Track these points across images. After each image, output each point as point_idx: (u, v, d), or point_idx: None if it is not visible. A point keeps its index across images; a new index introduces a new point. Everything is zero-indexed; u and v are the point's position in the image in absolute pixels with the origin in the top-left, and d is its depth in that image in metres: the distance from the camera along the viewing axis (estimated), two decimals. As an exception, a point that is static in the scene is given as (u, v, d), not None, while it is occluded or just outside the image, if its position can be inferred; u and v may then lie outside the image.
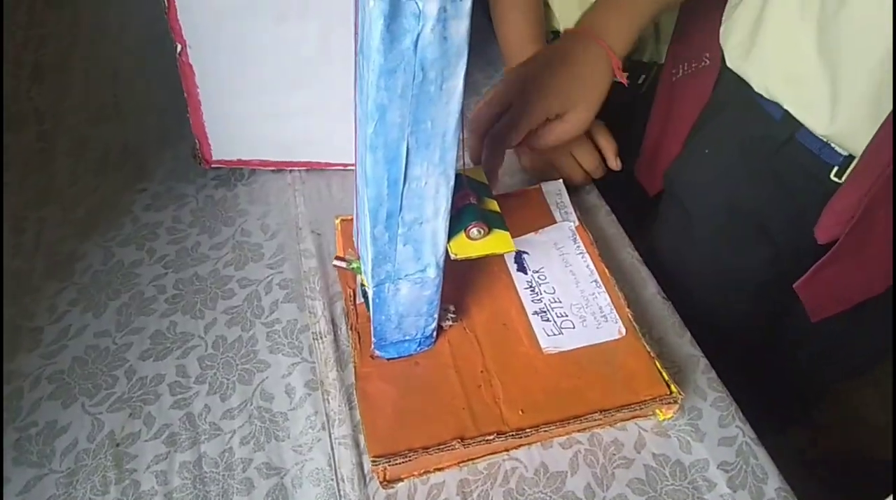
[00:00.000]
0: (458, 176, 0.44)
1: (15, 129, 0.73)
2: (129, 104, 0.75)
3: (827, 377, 0.81)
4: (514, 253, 0.57)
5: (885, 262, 0.55)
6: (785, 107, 0.55)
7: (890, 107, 0.47)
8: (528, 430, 0.46)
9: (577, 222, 0.59)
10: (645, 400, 0.48)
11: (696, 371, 0.54)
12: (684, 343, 0.56)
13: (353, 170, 0.67)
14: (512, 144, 0.55)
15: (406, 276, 0.44)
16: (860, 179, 0.50)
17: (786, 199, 0.59)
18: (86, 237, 0.63)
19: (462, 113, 0.36)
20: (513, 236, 0.55)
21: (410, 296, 0.46)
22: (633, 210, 0.76)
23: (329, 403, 0.51)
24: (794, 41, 0.52)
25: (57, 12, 0.87)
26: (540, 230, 0.59)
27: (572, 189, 0.67)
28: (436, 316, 0.48)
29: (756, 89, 0.57)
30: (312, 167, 0.68)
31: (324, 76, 0.60)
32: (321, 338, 0.55)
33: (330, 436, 0.49)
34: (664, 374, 0.49)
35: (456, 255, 0.43)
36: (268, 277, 0.60)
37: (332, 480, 0.47)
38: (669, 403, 0.49)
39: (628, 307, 0.53)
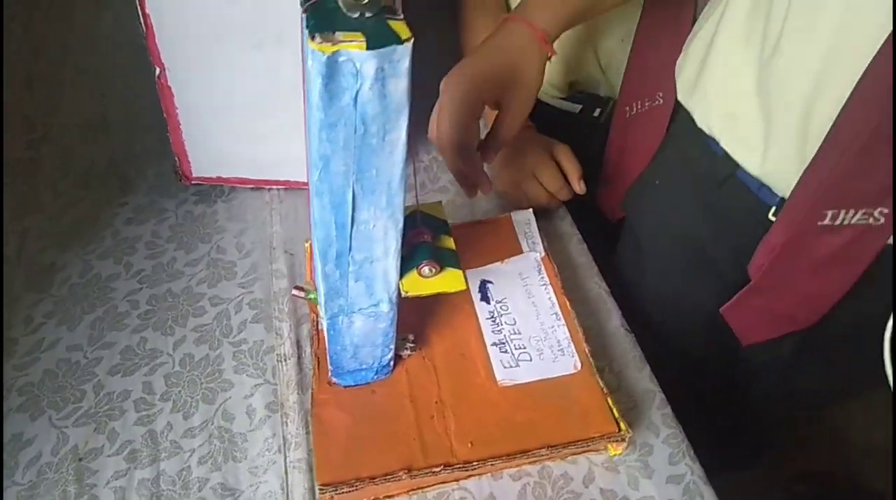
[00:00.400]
0: (413, 214, 0.46)
1: (4, 137, 0.74)
2: (117, 118, 0.76)
3: (781, 411, 0.81)
4: (479, 282, 0.58)
5: (807, 299, 0.55)
6: (722, 144, 0.55)
7: (814, 151, 0.47)
8: (475, 463, 0.47)
9: (543, 253, 0.60)
10: (594, 437, 0.49)
11: (652, 407, 0.55)
12: (643, 378, 0.57)
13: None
14: (474, 147, 0.55)
15: (360, 310, 0.45)
16: (786, 222, 0.51)
17: (729, 234, 0.59)
18: (66, 249, 0.64)
19: (407, 161, 0.37)
20: (479, 265, 0.57)
21: (365, 328, 0.47)
22: (609, 235, 0.77)
23: (287, 426, 0.52)
24: (735, 80, 0.53)
25: (52, 24, 0.89)
26: (506, 260, 0.59)
27: (545, 216, 0.68)
28: (392, 347, 0.49)
29: (699, 125, 0.58)
30: (290, 186, 0.69)
31: (299, 100, 0.61)
32: (285, 360, 0.56)
33: (285, 459, 0.51)
34: (615, 411, 0.50)
35: (407, 292, 0.44)
36: (239, 296, 0.61)
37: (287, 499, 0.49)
38: (618, 440, 0.49)
39: (586, 342, 0.54)
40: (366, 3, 0.31)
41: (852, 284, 0.53)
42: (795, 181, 0.49)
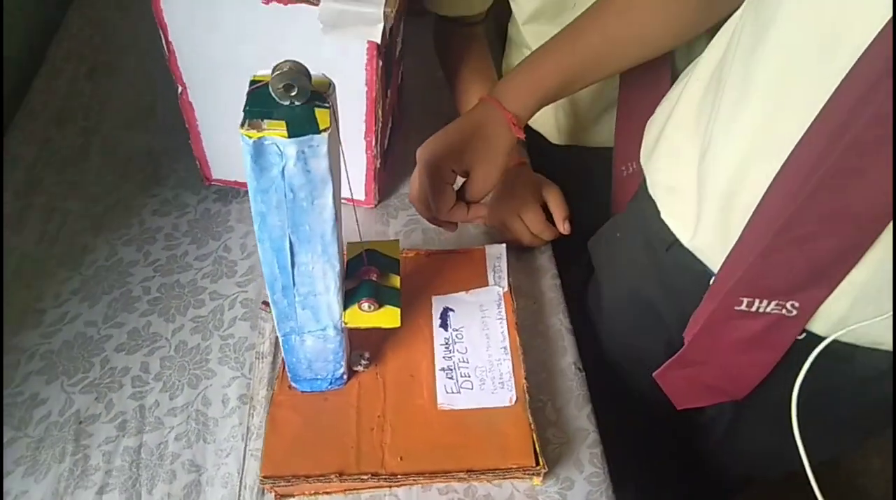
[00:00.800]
0: (364, 253, 0.51)
1: (62, 123, 0.84)
2: (163, 112, 0.85)
3: (735, 471, 0.83)
4: (441, 309, 0.63)
5: (732, 375, 0.58)
6: (662, 215, 0.58)
7: (734, 240, 0.50)
8: (399, 476, 0.53)
9: (506, 288, 0.64)
10: (511, 468, 0.54)
11: (583, 445, 0.59)
12: (581, 416, 0.61)
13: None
14: (447, 208, 0.61)
15: (309, 331, 0.51)
16: (709, 299, 0.53)
17: (676, 296, 0.61)
18: (98, 233, 0.74)
19: (338, 218, 0.43)
20: (445, 293, 0.62)
21: (316, 347, 0.53)
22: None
23: (253, 417, 0.60)
24: (679, 157, 0.55)
25: (122, 13, 0.98)
26: (471, 291, 0.64)
27: (528, 248, 0.72)
28: (343, 364, 0.56)
29: (649, 190, 0.60)
30: (298, 195, 0.76)
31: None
32: (262, 358, 0.63)
33: (245, 447, 0.58)
34: (537, 446, 0.55)
35: (346, 323, 0.50)
36: (234, 293, 0.69)
37: (237, 486, 0.56)
38: (533, 474, 0.54)
39: (525, 378, 0.59)
40: (294, 95, 0.37)
41: (772, 367, 0.56)
42: (720, 259, 0.51)
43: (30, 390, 0.62)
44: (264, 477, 0.52)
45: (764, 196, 0.46)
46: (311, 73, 0.38)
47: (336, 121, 0.40)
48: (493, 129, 0.61)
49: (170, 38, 0.62)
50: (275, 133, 0.36)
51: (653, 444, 0.87)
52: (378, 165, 0.71)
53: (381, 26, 0.58)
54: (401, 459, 0.54)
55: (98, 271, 0.70)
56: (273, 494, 0.55)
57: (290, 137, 0.37)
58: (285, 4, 0.58)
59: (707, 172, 0.52)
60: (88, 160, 0.81)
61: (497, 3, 0.79)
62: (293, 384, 0.58)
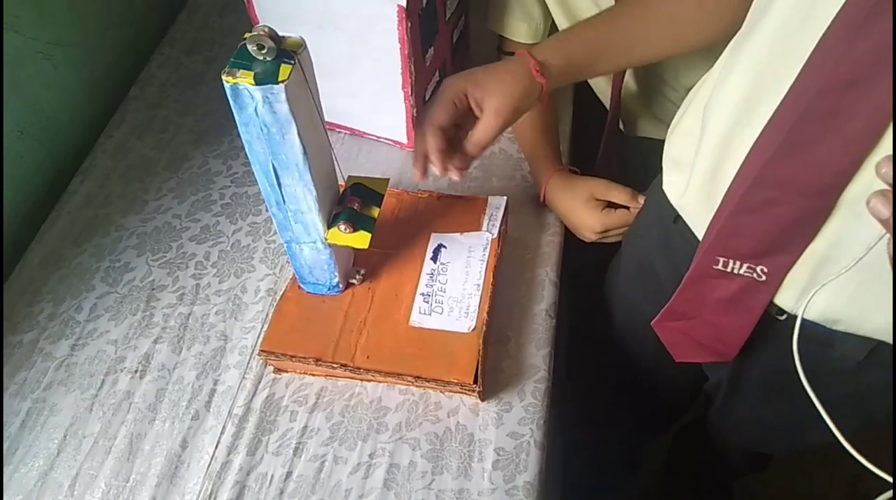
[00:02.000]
0: (354, 184, 0.63)
1: (192, 51, 1.02)
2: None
3: (733, 446, 0.87)
4: (436, 244, 0.73)
5: (717, 332, 0.61)
6: (663, 184, 0.62)
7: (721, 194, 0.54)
8: (362, 370, 0.65)
9: (495, 235, 0.73)
10: (452, 381, 0.64)
11: (531, 379, 0.68)
12: (538, 355, 0.69)
13: (382, 140, 0.87)
14: (437, 122, 0.65)
15: (304, 242, 0.64)
16: (696, 258, 0.58)
17: (675, 267, 0.66)
18: (198, 146, 0.91)
19: (305, 150, 0.54)
20: (442, 231, 0.72)
21: (312, 256, 0.66)
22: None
23: (272, 307, 0.74)
24: (692, 130, 0.59)
25: (224, 21, 1.07)
26: (465, 233, 0.73)
27: (539, 205, 0.80)
28: (336, 274, 0.68)
29: (663, 163, 0.64)
30: (354, 133, 0.88)
31: (354, 69, 0.79)
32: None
33: (261, 328, 0.73)
34: (479, 369, 0.64)
35: (327, 240, 0.62)
36: (284, 208, 0.83)
37: (249, 355, 0.71)
38: (469, 391, 0.64)
39: (488, 314, 0.67)
40: (264, 52, 0.48)
41: (751, 329, 0.60)
42: (704, 222, 0.56)
43: (125, 259, 0.81)
44: (262, 350, 0.67)
45: (742, 164, 0.51)
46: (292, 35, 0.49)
47: (304, 73, 0.51)
48: (516, 69, 0.64)
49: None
50: (245, 81, 0.48)
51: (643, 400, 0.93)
52: (415, 113, 0.81)
53: (405, -7, 0.67)
54: (367, 357, 0.66)
55: (191, 176, 0.88)
56: (271, 367, 0.69)
57: (256, 84, 0.48)
58: (332, -31, 0.68)
59: (701, 143, 0.57)
60: (204, 84, 0.98)
61: None
62: (301, 285, 0.71)
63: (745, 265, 0.55)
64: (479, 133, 0.65)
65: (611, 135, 0.91)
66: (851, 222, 0.46)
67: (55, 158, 0.88)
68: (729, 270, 0.56)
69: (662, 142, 0.67)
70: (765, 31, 0.48)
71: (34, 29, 0.83)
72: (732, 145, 0.52)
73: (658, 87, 0.85)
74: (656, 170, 0.68)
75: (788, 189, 0.47)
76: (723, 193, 0.53)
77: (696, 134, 0.59)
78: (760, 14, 0.49)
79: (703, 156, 0.56)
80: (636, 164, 0.80)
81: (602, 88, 0.90)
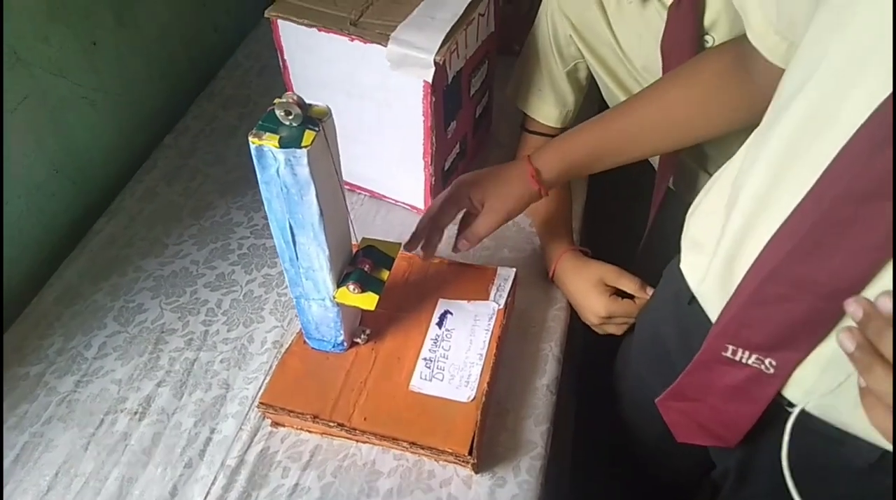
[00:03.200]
0: (366, 247, 0.65)
1: (229, 106, 1.07)
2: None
3: None
4: (443, 310, 0.74)
5: (721, 417, 0.61)
6: (681, 263, 0.63)
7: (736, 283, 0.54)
8: (358, 431, 0.65)
9: (501, 306, 0.73)
10: (446, 451, 0.63)
11: (527, 455, 0.67)
12: (536, 431, 0.69)
13: (399, 204, 0.89)
14: (440, 225, 0.73)
15: (312, 299, 0.65)
16: (707, 343, 0.58)
17: (687, 348, 0.66)
18: (223, 195, 0.94)
19: (322, 212, 0.56)
20: (450, 298, 0.74)
21: (319, 313, 0.67)
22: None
23: (276, 359, 0.75)
24: (715, 211, 0.60)
25: (261, 80, 1.12)
26: (473, 301, 0.74)
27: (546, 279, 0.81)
28: (342, 333, 0.69)
29: (682, 241, 0.65)
30: (374, 195, 0.91)
31: (378, 136, 0.82)
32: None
33: (264, 380, 0.74)
34: (475, 440, 0.64)
35: (335, 298, 0.63)
36: (299, 263, 0.85)
37: (248, 406, 0.72)
38: (464, 462, 0.64)
39: (488, 385, 0.67)
40: (291, 118, 0.51)
41: (756, 418, 0.59)
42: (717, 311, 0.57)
43: (139, 300, 0.82)
44: (261, 403, 0.67)
45: (757, 257, 0.52)
46: (320, 105, 0.52)
47: (327, 140, 0.53)
48: (516, 175, 0.72)
49: (284, 57, 0.79)
50: (270, 143, 0.51)
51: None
52: (433, 182, 0.83)
53: (432, 70, 0.70)
54: (365, 419, 0.66)
55: (213, 225, 0.91)
56: (268, 420, 0.70)
57: (280, 147, 0.50)
58: (364, 43, 0.72)
59: (725, 228, 0.58)
60: (235, 138, 1.02)
61: None
62: (306, 340, 0.72)
63: (754, 356, 0.55)
64: (477, 228, 0.73)
65: (662, 199, 0.91)
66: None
67: (85, 197, 0.92)
68: (737, 358, 0.56)
69: None
70: (783, 130, 0.50)
71: (82, 76, 0.87)
72: (751, 236, 0.53)
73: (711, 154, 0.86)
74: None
75: (802, 288, 0.48)
76: (738, 282, 0.54)
77: (719, 216, 0.59)
78: (779, 113, 0.51)
79: (725, 241, 0.57)
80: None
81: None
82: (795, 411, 0.50)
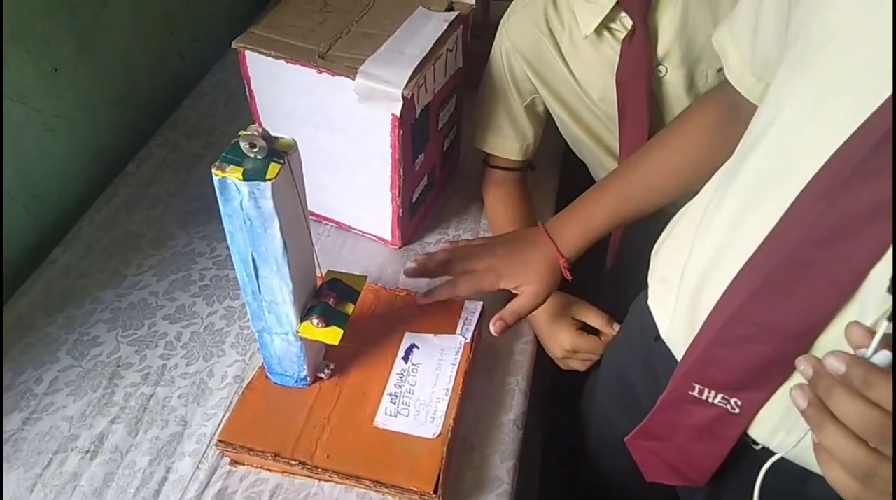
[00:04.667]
0: (332, 280, 0.63)
1: (193, 135, 1.05)
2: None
3: None
4: (409, 344, 0.73)
5: (688, 458, 0.61)
6: (648, 300, 0.63)
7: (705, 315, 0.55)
8: (320, 470, 0.64)
9: (468, 340, 0.73)
10: (411, 489, 0.62)
11: (492, 493, 0.66)
12: (502, 468, 0.68)
13: (366, 236, 0.88)
14: (458, 294, 0.74)
15: (275, 333, 0.64)
16: (673, 381, 0.58)
17: (654, 384, 0.66)
18: (184, 226, 0.92)
19: (286, 246, 0.55)
20: (417, 331, 0.73)
21: (282, 347, 0.65)
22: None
23: (237, 394, 0.73)
24: (679, 249, 0.61)
25: (227, 109, 1.14)
26: (440, 335, 0.74)
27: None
28: (305, 367, 0.67)
29: (648, 278, 0.66)
30: (341, 227, 0.90)
31: (346, 168, 0.81)
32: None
33: (223, 416, 0.72)
34: (440, 478, 0.63)
35: (299, 333, 0.62)
36: (262, 295, 0.83)
37: (207, 444, 0.69)
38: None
39: (454, 421, 0.66)
40: (256, 151, 0.50)
41: (723, 458, 0.59)
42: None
43: (94, 332, 0.80)
44: (220, 441, 0.65)
45: (722, 296, 0.52)
46: (279, 136, 0.51)
47: (292, 173, 0.53)
48: (543, 263, 0.73)
49: (252, 88, 0.79)
50: (233, 176, 0.50)
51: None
52: (401, 214, 0.83)
53: (400, 104, 0.70)
54: (327, 456, 0.64)
55: (174, 255, 0.88)
56: (227, 458, 0.67)
57: (244, 180, 0.50)
58: (333, 76, 0.72)
59: (686, 269, 0.58)
60: (199, 168, 1.01)
61: None
62: (269, 375, 0.70)
63: (719, 396, 0.55)
64: (520, 309, 0.73)
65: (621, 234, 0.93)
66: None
67: (41, 226, 0.89)
68: (704, 398, 0.56)
69: None
70: (749, 171, 0.51)
71: (40, 101, 0.85)
72: (716, 275, 0.53)
73: None
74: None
75: (766, 329, 0.48)
76: (703, 319, 0.54)
77: (684, 253, 0.60)
78: (745, 154, 0.52)
79: (690, 278, 0.57)
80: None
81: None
82: (773, 460, 0.50)
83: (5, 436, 0.69)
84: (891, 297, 0.38)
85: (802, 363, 0.40)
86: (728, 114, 0.65)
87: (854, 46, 0.42)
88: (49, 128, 0.88)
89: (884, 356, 0.38)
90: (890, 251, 0.40)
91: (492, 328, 0.71)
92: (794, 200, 0.45)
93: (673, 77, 0.76)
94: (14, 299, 0.82)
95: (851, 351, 0.40)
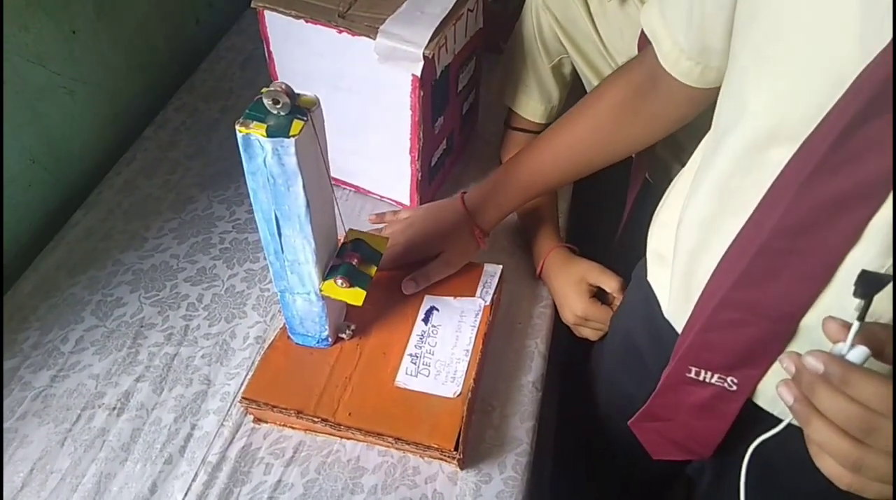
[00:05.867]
0: (355, 240, 0.64)
1: (210, 99, 1.05)
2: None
3: None
4: (429, 306, 0.73)
5: (693, 434, 0.61)
6: (647, 275, 0.63)
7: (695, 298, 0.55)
8: (343, 427, 0.64)
9: (488, 303, 0.73)
10: (432, 446, 0.63)
11: (512, 452, 0.67)
12: (521, 428, 0.69)
13: (385, 200, 0.88)
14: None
15: (297, 293, 0.64)
16: (672, 362, 0.58)
17: (661, 347, 0.66)
18: (204, 190, 0.92)
19: (308, 204, 0.55)
20: (436, 294, 0.73)
21: (304, 307, 0.66)
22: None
23: (258, 354, 0.74)
24: (671, 223, 0.60)
25: (244, 73, 1.11)
26: (459, 298, 0.74)
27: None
28: (327, 327, 0.68)
29: (647, 258, 0.66)
30: (358, 190, 0.90)
31: (365, 131, 0.81)
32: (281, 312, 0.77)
33: (246, 375, 0.73)
34: (461, 436, 0.63)
35: (322, 291, 0.62)
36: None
37: (230, 402, 0.71)
38: (449, 458, 0.63)
39: (474, 381, 0.67)
40: (279, 107, 0.50)
41: (725, 432, 0.60)
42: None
43: (118, 294, 0.81)
44: (244, 398, 0.66)
45: (709, 280, 0.52)
46: (306, 93, 0.51)
47: (315, 130, 0.52)
48: (461, 235, 0.76)
49: (270, 49, 0.78)
50: (257, 132, 0.50)
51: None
52: (420, 177, 0.83)
53: (421, 64, 0.69)
54: (349, 414, 0.65)
55: (193, 218, 0.89)
56: (251, 416, 0.69)
57: (267, 136, 0.50)
58: (353, 36, 0.71)
59: (676, 248, 0.58)
60: (217, 131, 1.01)
61: None
62: (290, 336, 0.71)
63: (716, 375, 0.56)
64: (431, 272, 0.75)
65: (638, 191, 0.91)
66: (810, 347, 0.47)
67: (62, 189, 0.90)
68: (701, 378, 0.57)
69: None
70: (722, 161, 0.51)
71: (60, 65, 0.85)
72: (703, 257, 0.54)
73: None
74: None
75: (752, 312, 0.49)
76: (696, 298, 0.55)
77: (673, 228, 0.60)
78: (718, 143, 0.52)
79: (680, 259, 0.58)
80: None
81: None
82: (780, 426, 0.51)
83: (34, 392, 0.71)
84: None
85: (785, 360, 0.41)
86: (641, 89, 0.65)
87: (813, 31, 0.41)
88: (69, 91, 0.88)
89: (860, 352, 0.39)
90: (863, 238, 0.41)
91: (403, 287, 0.73)
92: (769, 187, 0.45)
93: None
94: (38, 260, 0.83)
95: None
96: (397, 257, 0.75)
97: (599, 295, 0.78)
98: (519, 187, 0.76)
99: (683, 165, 0.88)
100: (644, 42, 0.74)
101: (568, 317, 0.79)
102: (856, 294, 0.38)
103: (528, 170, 0.75)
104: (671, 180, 0.77)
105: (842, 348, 0.39)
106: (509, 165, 0.77)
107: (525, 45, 0.85)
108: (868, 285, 0.38)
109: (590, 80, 0.85)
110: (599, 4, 0.78)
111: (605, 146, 0.71)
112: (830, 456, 0.39)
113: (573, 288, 0.77)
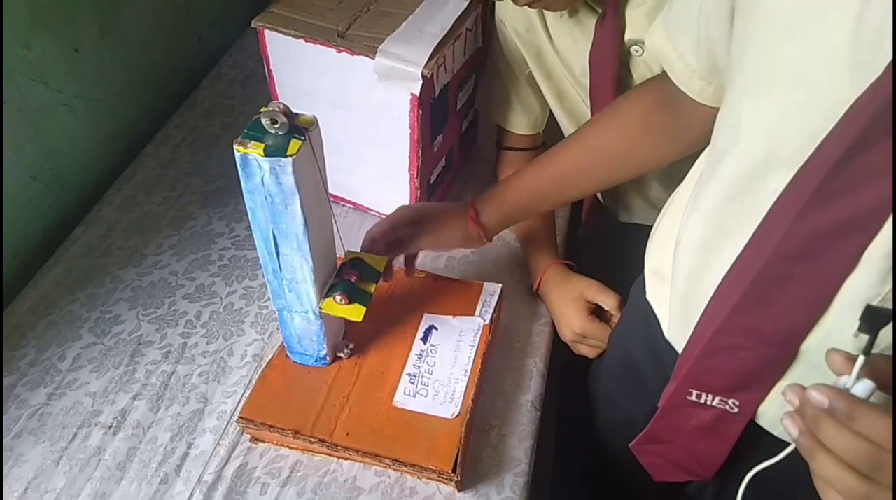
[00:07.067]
0: (353, 259, 0.64)
1: (211, 116, 1.05)
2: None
3: None
4: (428, 325, 0.73)
5: (694, 456, 0.61)
6: (646, 293, 0.63)
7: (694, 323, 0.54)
8: (340, 447, 0.64)
9: (487, 322, 0.73)
10: (430, 468, 0.62)
11: (511, 472, 0.66)
12: (520, 448, 0.68)
13: (383, 217, 0.88)
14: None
15: (295, 311, 0.64)
16: (672, 385, 0.58)
17: (660, 366, 0.66)
18: (203, 207, 0.92)
19: (306, 222, 0.55)
20: (436, 313, 0.73)
21: (302, 325, 0.66)
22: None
23: (256, 372, 0.74)
24: (669, 241, 0.60)
25: (245, 91, 1.10)
26: (458, 316, 0.74)
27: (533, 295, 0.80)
28: (325, 346, 0.68)
29: (645, 276, 0.65)
30: (357, 208, 0.90)
31: (364, 149, 0.81)
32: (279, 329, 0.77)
33: (243, 394, 0.72)
34: (459, 458, 0.63)
35: (321, 309, 0.62)
36: (281, 275, 0.84)
37: (227, 421, 0.70)
38: (447, 480, 0.62)
39: (472, 401, 0.67)
40: (277, 127, 0.50)
41: (727, 454, 0.59)
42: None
43: (116, 311, 0.81)
44: (241, 417, 0.66)
45: (708, 304, 0.52)
46: (305, 114, 0.51)
47: (313, 150, 0.52)
48: (458, 219, 0.74)
49: (270, 68, 0.79)
50: (255, 152, 0.50)
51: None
52: (419, 195, 0.83)
53: (420, 83, 0.70)
54: (347, 434, 0.65)
55: (193, 235, 0.89)
56: (248, 435, 0.68)
57: (265, 156, 0.50)
58: (352, 55, 0.72)
59: (675, 269, 0.58)
60: (218, 148, 1.01)
61: None
62: (288, 354, 0.71)
63: (717, 398, 0.55)
64: (419, 243, 0.74)
65: (591, 219, 0.93)
66: (810, 371, 0.48)
67: (62, 205, 0.90)
68: (702, 401, 0.56)
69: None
70: (720, 184, 0.51)
71: (62, 82, 0.86)
72: (701, 281, 0.54)
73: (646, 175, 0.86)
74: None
75: (752, 338, 0.49)
76: (696, 318, 0.54)
77: (671, 245, 0.60)
78: (715, 166, 0.52)
79: (678, 281, 0.57)
80: (629, 248, 0.82)
81: None
82: (784, 453, 0.50)
83: (31, 410, 0.71)
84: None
85: (788, 394, 0.40)
86: (664, 104, 0.64)
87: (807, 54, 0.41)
88: (70, 108, 0.88)
89: (865, 386, 0.38)
90: (861, 264, 0.40)
91: (405, 273, 0.75)
92: (766, 213, 0.45)
93: (649, 58, 0.75)
94: (37, 277, 0.83)
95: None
96: (385, 231, 0.72)
97: (598, 312, 0.78)
98: (527, 188, 0.73)
99: (636, 190, 0.88)
100: (596, 55, 0.74)
101: (566, 334, 0.78)
102: (860, 329, 0.38)
103: (542, 173, 0.73)
104: (622, 203, 0.77)
105: (846, 381, 0.39)
106: (524, 169, 0.74)
107: (498, 61, 0.85)
108: (873, 320, 0.37)
109: (547, 97, 0.85)
110: (553, 15, 0.77)
111: (628, 159, 0.69)
112: (838, 492, 0.39)
113: (571, 305, 0.77)
